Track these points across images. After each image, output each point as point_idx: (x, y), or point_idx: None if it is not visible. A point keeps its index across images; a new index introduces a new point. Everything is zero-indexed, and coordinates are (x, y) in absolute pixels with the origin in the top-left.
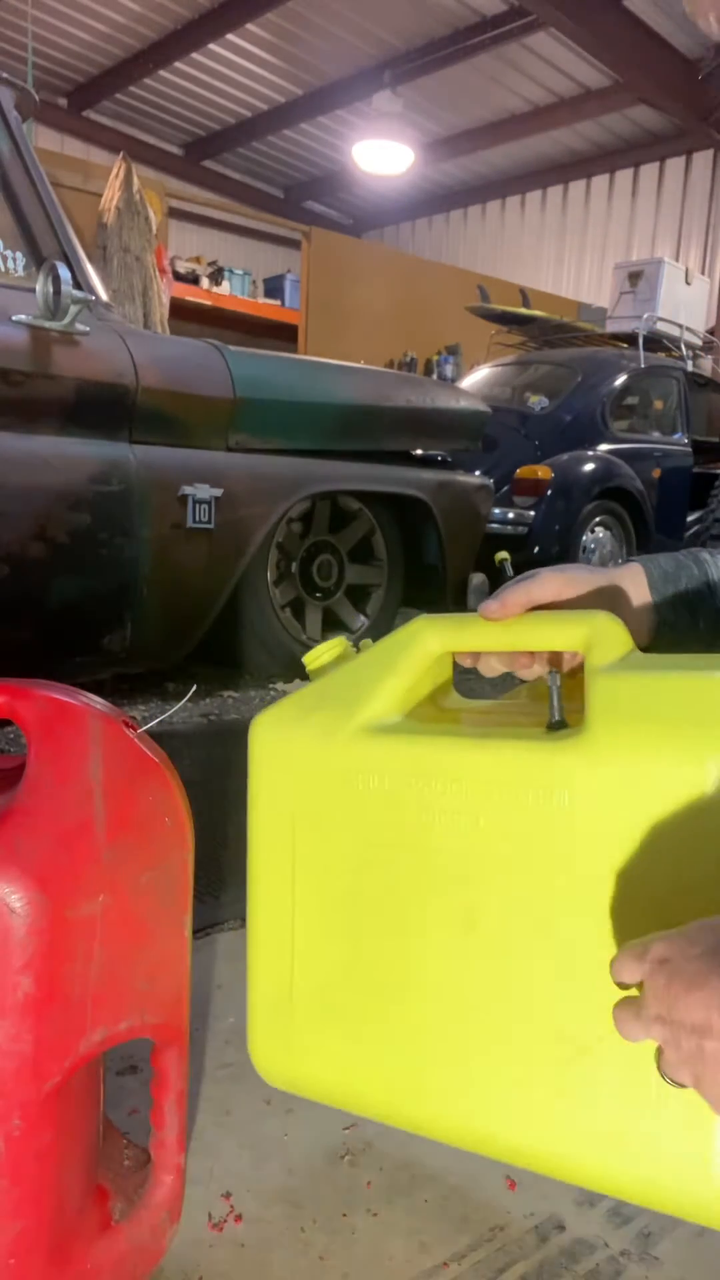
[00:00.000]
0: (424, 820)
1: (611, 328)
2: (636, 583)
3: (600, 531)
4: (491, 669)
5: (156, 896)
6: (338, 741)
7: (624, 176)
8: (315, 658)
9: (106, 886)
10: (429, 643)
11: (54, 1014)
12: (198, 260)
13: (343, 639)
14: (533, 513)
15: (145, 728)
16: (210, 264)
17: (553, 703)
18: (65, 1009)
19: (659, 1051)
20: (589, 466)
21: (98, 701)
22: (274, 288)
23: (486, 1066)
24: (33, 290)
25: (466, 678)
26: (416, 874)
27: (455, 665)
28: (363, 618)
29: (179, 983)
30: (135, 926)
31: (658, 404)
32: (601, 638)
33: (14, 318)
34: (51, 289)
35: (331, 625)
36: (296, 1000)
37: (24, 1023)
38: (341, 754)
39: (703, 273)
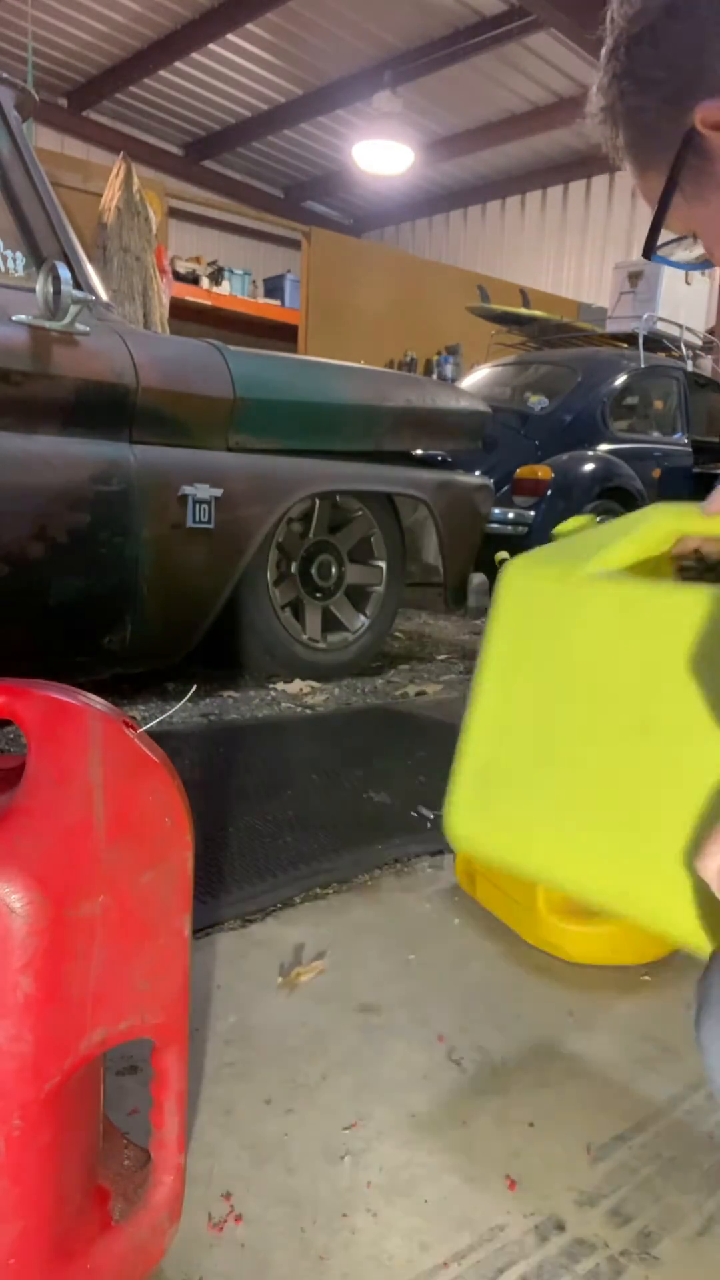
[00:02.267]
0: (624, 646)
1: (611, 328)
2: None
3: None
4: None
5: (156, 896)
6: (569, 581)
7: (624, 176)
8: (563, 529)
9: (106, 886)
10: (660, 520)
11: (54, 1014)
12: (198, 260)
13: (591, 515)
14: (533, 513)
15: (145, 728)
16: (210, 264)
17: None
18: (65, 1009)
19: None
20: (589, 466)
21: (98, 701)
22: (274, 288)
23: (636, 846)
24: (33, 290)
25: None
26: (610, 686)
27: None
28: (363, 618)
29: (179, 983)
30: (135, 926)
31: (658, 404)
32: None
33: (14, 318)
34: (51, 289)
35: (331, 625)
36: (494, 777)
37: (24, 1023)
38: (569, 590)
39: (702, 273)
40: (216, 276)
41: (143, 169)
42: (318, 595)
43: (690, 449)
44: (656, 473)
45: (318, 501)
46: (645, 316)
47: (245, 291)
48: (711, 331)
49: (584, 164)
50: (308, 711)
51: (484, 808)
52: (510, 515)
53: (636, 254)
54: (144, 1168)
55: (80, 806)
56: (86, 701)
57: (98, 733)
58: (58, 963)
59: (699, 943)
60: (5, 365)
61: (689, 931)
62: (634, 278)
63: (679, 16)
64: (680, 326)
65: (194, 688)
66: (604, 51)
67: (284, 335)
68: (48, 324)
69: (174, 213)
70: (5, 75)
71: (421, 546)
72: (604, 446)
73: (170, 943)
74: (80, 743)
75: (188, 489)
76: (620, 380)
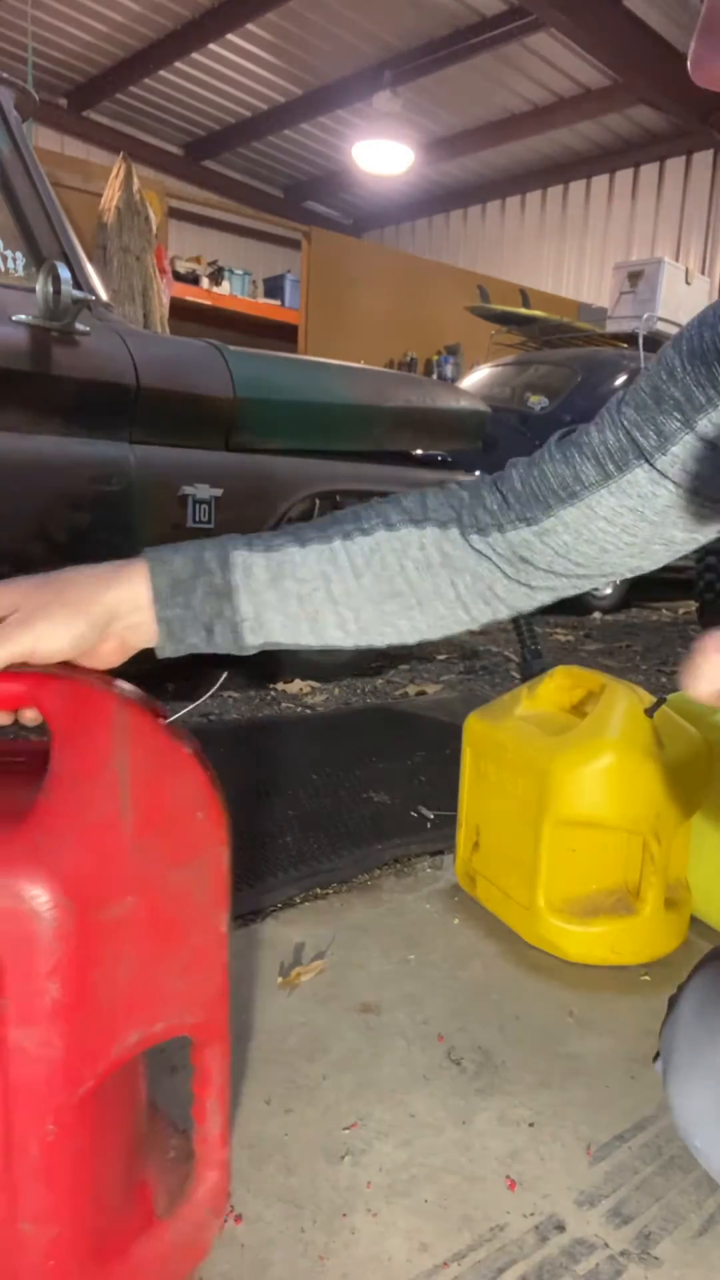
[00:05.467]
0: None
1: (611, 328)
2: (135, 590)
3: None
4: None
5: (190, 894)
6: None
7: (624, 176)
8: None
9: (136, 887)
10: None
11: (84, 1019)
12: (198, 260)
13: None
14: None
15: (174, 716)
16: (210, 264)
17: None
18: (95, 1014)
19: None
20: None
21: (125, 687)
22: (274, 288)
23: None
24: (33, 290)
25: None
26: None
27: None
28: None
29: (218, 982)
30: (167, 926)
31: None
32: None
33: (14, 318)
34: (51, 289)
35: None
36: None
37: (53, 1029)
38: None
39: (703, 273)
40: (216, 276)
41: (143, 169)
42: None
43: None
44: None
45: (318, 501)
46: (645, 316)
47: (245, 291)
48: None
49: (584, 164)
50: (308, 711)
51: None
52: None
53: (636, 254)
54: (188, 1160)
55: (106, 802)
56: (112, 688)
57: (124, 722)
58: (86, 968)
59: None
60: (5, 365)
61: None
62: (634, 278)
63: None
64: (680, 326)
65: (225, 675)
66: None
67: (284, 335)
68: (48, 324)
69: (174, 213)
70: (5, 75)
71: None
72: None
73: (207, 942)
74: (105, 733)
75: (188, 489)
76: (620, 380)
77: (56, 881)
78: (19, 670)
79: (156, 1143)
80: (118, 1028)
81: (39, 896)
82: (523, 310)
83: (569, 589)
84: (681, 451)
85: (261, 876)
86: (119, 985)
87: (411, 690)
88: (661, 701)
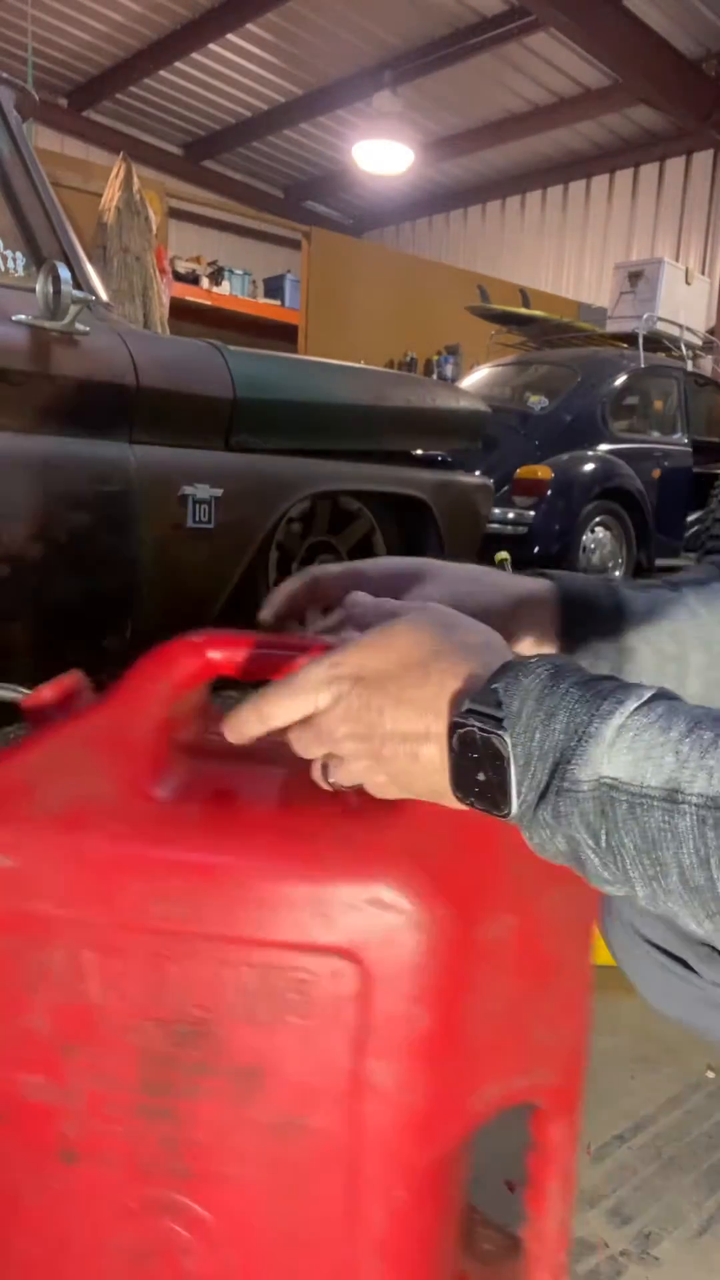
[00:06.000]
0: None
1: (611, 328)
2: (541, 616)
3: (600, 531)
4: None
5: (561, 922)
6: None
7: (624, 176)
8: None
9: (513, 903)
10: None
11: (449, 1060)
12: (198, 260)
13: None
14: (533, 513)
15: None
16: (210, 264)
17: None
18: (460, 1055)
19: (334, 762)
20: (589, 466)
21: None
22: (274, 288)
23: None
24: (33, 290)
25: None
26: None
27: None
28: None
29: (579, 1036)
30: (539, 960)
31: (658, 404)
32: None
33: (14, 318)
34: (51, 289)
35: None
36: None
37: (414, 1065)
38: None
39: (703, 273)
40: (216, 276)
41: (143, 169)
42: None
43: (690, 449)
44: (656, 473)
45: (317, 502)
46: (645, 316)
47: (245, 291)
48: (712, 331)
49: (584, 164)
50: None
51: None
52: (510, 515)
53: (636, 254)
54: (511, 1257)
55: None
56: None
57: None
58: (457, 995)
59: None
60: (5, 365)
61: None
62: (634, 278)
63: None
64: (680, 326)
65: None
66: None
67: (284, 335)
68: (48, 324)
69: (174, 213)
70: (5, 75)
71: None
72: (604, 446)
73: (574, 986)
74: None
75: (188, 489)
76: (620, 380)
77: (433, 887)
78: None
79: (470, 1227)
80: (480, 1076)
81: (413, 902)
82: (523, 310)
83: None
84: None
85: None
86: (486, 1024)
87: None
88: None
